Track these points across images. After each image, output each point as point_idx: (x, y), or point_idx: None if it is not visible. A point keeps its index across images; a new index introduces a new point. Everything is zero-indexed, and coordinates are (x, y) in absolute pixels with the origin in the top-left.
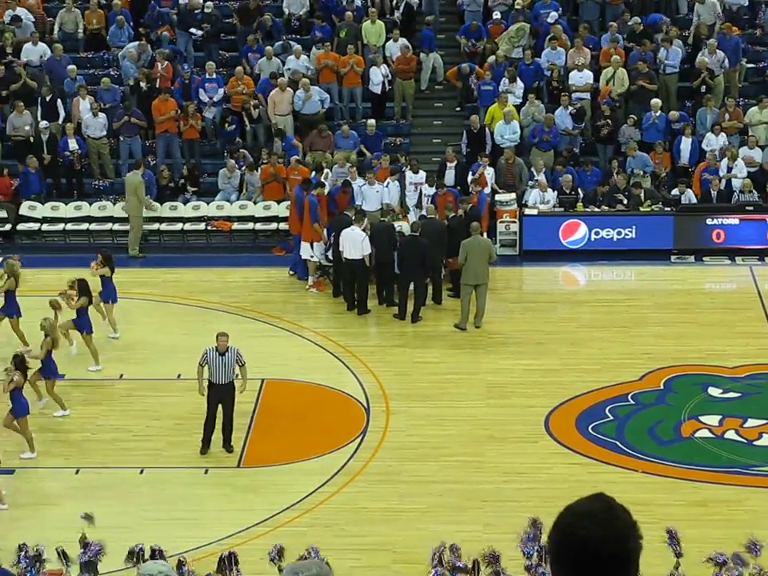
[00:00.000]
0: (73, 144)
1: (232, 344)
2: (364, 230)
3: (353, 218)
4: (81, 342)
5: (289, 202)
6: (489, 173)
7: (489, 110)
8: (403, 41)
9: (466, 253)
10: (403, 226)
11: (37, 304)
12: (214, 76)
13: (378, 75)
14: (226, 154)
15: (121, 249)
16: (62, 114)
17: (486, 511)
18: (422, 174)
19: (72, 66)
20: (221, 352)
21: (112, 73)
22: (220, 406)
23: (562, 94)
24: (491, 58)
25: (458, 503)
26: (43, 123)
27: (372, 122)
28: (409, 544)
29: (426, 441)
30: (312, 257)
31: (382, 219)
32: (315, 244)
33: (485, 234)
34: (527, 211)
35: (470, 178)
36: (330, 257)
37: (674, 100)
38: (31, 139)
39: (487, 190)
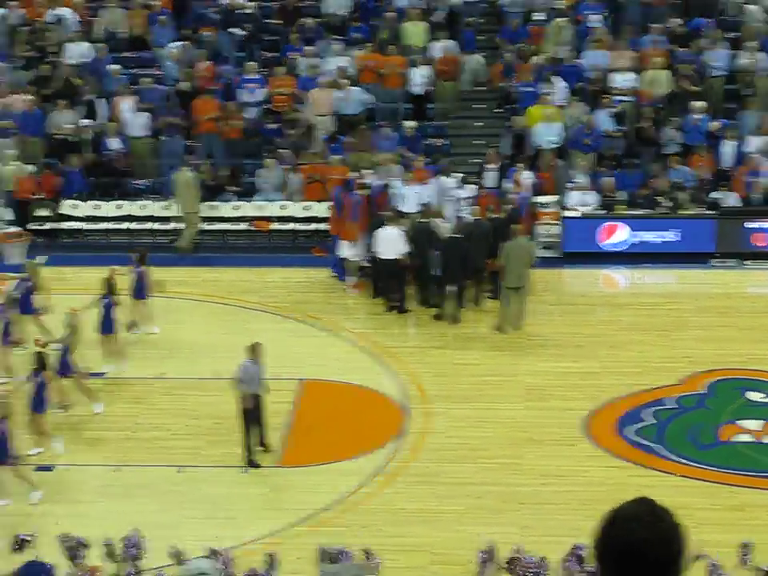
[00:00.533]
0: (114, 143)
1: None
2: (400, 230)
3: (388, 218)
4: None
5: (329, 203)
6: (527, 176)
7: (529, 111)
8: (445, 42)
9: (507, 255)
10: (442, 226)
11: (77, 303)
12: (255, 76)
13: (418, 76)
14: (266, 153)
15: (160, 248)
16: (104, 113)
17: (523, 513)
18: (456, 179)
19: (115, 66)
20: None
21: (154, 73)
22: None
23: (603, 95)
24: (533, 59)
25: (496, 505)
26: (85, 122)
27: (412, 123)
28: (447, 545)
29: (464, 442)
30: (354, 256)
31: (421, 220)
32: (355, 243)
33: (525, 236)
34: (568, 213)
35: (504, 183)
36: (369, 257)
37: (719, 103)
38: (71, 138)
39: (527, 193)
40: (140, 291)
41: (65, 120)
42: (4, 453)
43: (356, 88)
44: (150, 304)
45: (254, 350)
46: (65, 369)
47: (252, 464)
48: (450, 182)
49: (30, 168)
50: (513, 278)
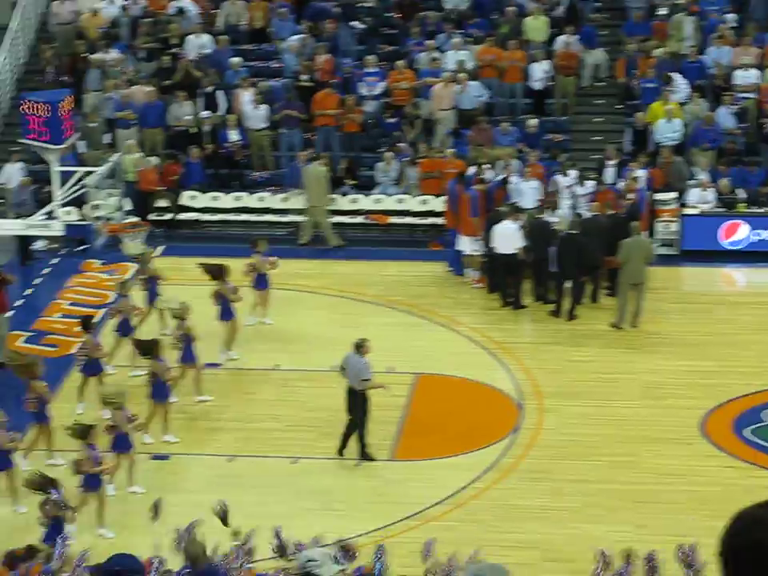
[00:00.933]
0: (234, 135)
1: (366, 357)
2: (517, 226)
3: (505, 213)
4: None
5: (446, 197)
6: (646, 173)
7: (651, 107)
8: (565, 37)
9: (626, 252)
10: (559, 222)
11: (196, 293)
12: (375, 69)
13: (538, 71)
14: (384, 147)
15: (277, 240)
16: (223, 105)
17: (638, 512)
18: (573, 175)
19: (236, 59)
20: (355, 350)
21: (274, 65)
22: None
23: (726, 92)
24: (655, 52)
25: (611, 503)
26: (205, 114)
27: (534, 121)
28: (560, 542)
29: (579, 440)
30: (474, 251)
31: (538, 216)
32: (475, 238)
33: (644, 234)
34: (687, 210)
35: (624, 180)
36: (486, 252)
37: None
38: (191, 130)
39: (646, 190)
40: (259, 281)
41: (185, 112)
42: (125, 443)
43: (474, 83)
44: (268, 294)
45: (361, 346)
46: (187, 358)
47: (366, 457)
48: (567, 178)
49: (153, 159)
50: (631, 274)
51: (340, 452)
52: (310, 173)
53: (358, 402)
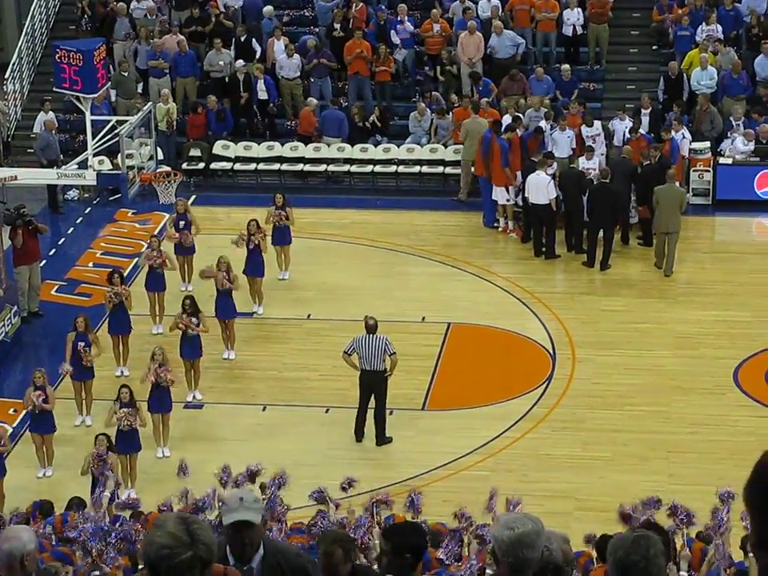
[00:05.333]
0: (266, 84)
1: (381, 333)
2: (551, 175)
3: (539, 163)
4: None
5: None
6: (680, 121)
7: (688, 55)
8: None
9: (657, 199)
10: (592, 172)
11: (228, 242)
12: (406, 18)
13: (571, 18)
14: (417, 96)
15: (311, 190)
16: (257, 54)
17: (670, 462)
18: (597, 126)
19: (269, 7)
20: (369, 332)
21: (307, 14)
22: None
23: (763, 41)
24: (690, 2)
25: (643, 453)
26: (239, 63)
27: (567, 66)
28: (592, 492)
29: (611, 389)
30: (508, 200)
31: (572, 166)
32: (510, 188)
33: (677, 182)
34: (722, 160)
35: (658, 128)
36: (520, 202)
37: None
38: (227, 79)
39: (680, 139)
40: (281, 235)
41: (218, 60)
42: (165, 402)
43: (508, 31)
44: (288, 248)
45: (375, 326)
46: (227, 312)
47: (385, 439)
48: (593, 130)
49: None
50: (663, 222)
51: (360, 437)
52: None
53: (381, 383)
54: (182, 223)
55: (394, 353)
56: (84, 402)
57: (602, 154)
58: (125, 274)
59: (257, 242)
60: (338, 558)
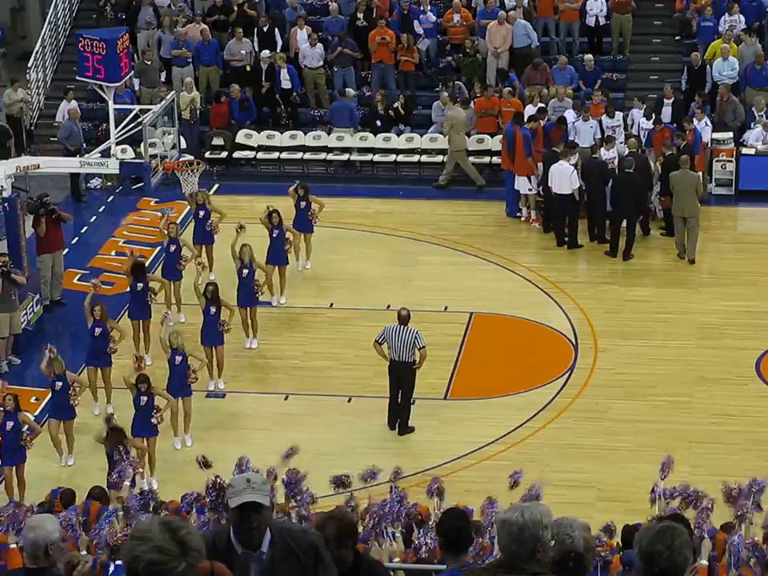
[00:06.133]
0: (289, 73)
1: (413, 326)
2: (573, 165)
3: (562, 153)
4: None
5: (501, 136)
6: (702, 112)
7: (711, 45)
8: None
9: (673, 185)
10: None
11: (251, 231)
12: (431, 7)
13: (594, 8)
14: (440, 86)
15: (334, 179)
16: (280, 43)
17: (693, 452)
18: (618, 117)
19: None
20: (401, 323)
21: (332, 6)
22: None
23: None
24: None
25: (665, 443)
26: (265, 53)
27: (589, 56)
28: (614, 482)
29: (633, 379)
30: (531, 190)
31: (594, 156)
32: (533, 177)
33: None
34: (744, 151)
35: (681, 119)
36: (542, 192)
37: None
38: (248, 68)
39: (703, 129)
40: (302, 224)
41: (240, 49)
42: (183, 386)
43: (521, 21)
44: (309, 237)
45: (407, 317)
46: (249, 300)
47: (408, 429)
48: (614, 121)
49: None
50: (680, 207)
51: (393, 425)
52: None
53: (409, 374)
54: (201, 213)
55: (424, 347)
56: (104, 390)
57: (621, 143)
58: (147, 263)
59: (279, 230)
60: (329, 533)
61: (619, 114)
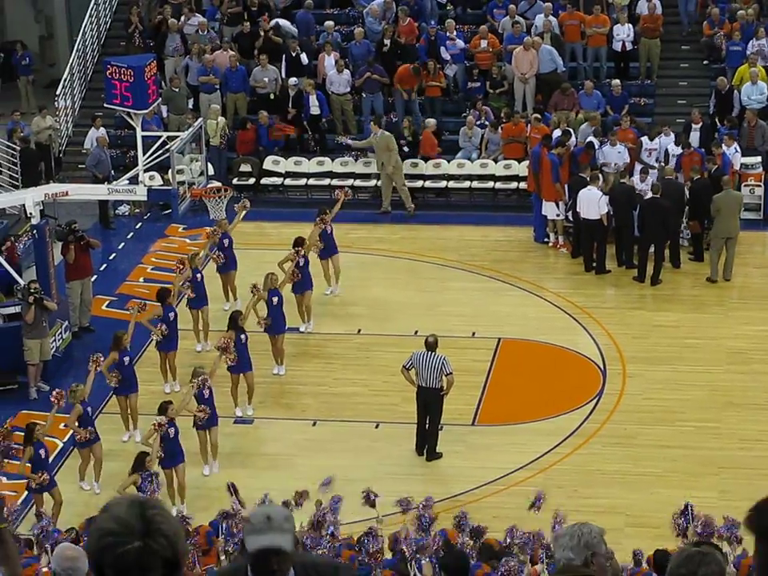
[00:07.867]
0: (317, 100)
1: (441, 352)
2: (601, 190)
3: (588, 178)
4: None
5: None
6: (731, 136)
7: (738, 70)
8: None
9: (719, 207)
10: (643, 187)
11: (278, 257)
12: (457, 33)
13: (622, 34)
14: (467, 111)
15: (360, 205)
16: (307, 69)
17: (722, 478)
18: (657, 141)
19: (329, 22)
20: (429, 350)
21: (357, 30)
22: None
23: None
24: (740, 14)
25: (694, 469)
26: (293, 80)
27: (617, 81)
28: (642, 508)
29: (662, 405)
30: (558, 215)
31: (623, 181)
32: (560, 203)
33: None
34: None
35: (709, 143)
36: (570, 217)
37: None
38: (272, 96)
39: (731, 154)
40: (326, 249)
41: (263, 77)
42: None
43: (546, 46)
44: (336, 261)
45: (435, 344)
46: (276, 327)
47: (436, 455)
48: (652, 144)
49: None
50: (724, 228)
51: (421, 451)
52: (378, 139)
53: (437, 401)
54: (225, 242)
55: (451, 373)
56: (131, 417)
57: (653, 169)
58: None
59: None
60: None
61: (658, 140)
